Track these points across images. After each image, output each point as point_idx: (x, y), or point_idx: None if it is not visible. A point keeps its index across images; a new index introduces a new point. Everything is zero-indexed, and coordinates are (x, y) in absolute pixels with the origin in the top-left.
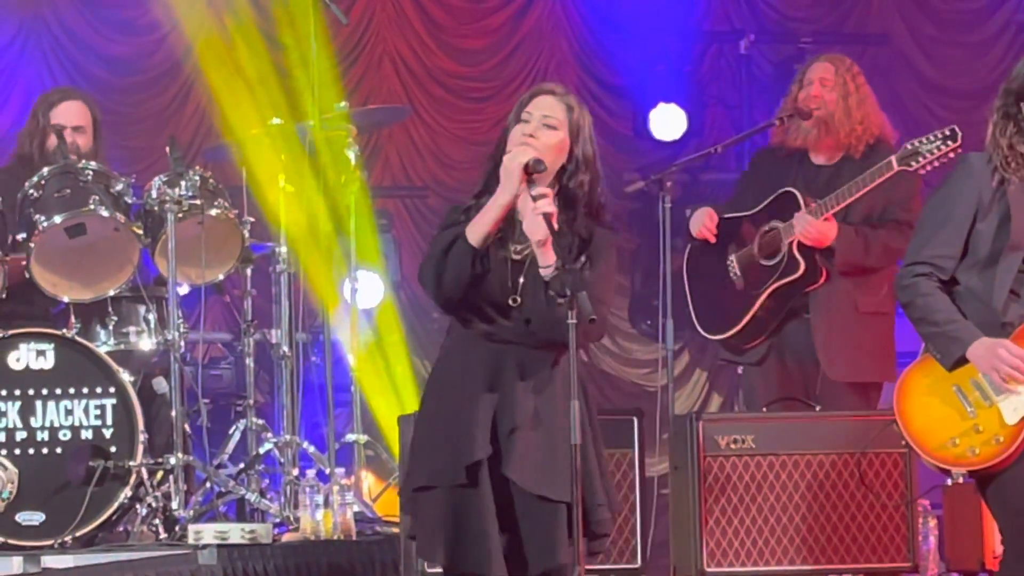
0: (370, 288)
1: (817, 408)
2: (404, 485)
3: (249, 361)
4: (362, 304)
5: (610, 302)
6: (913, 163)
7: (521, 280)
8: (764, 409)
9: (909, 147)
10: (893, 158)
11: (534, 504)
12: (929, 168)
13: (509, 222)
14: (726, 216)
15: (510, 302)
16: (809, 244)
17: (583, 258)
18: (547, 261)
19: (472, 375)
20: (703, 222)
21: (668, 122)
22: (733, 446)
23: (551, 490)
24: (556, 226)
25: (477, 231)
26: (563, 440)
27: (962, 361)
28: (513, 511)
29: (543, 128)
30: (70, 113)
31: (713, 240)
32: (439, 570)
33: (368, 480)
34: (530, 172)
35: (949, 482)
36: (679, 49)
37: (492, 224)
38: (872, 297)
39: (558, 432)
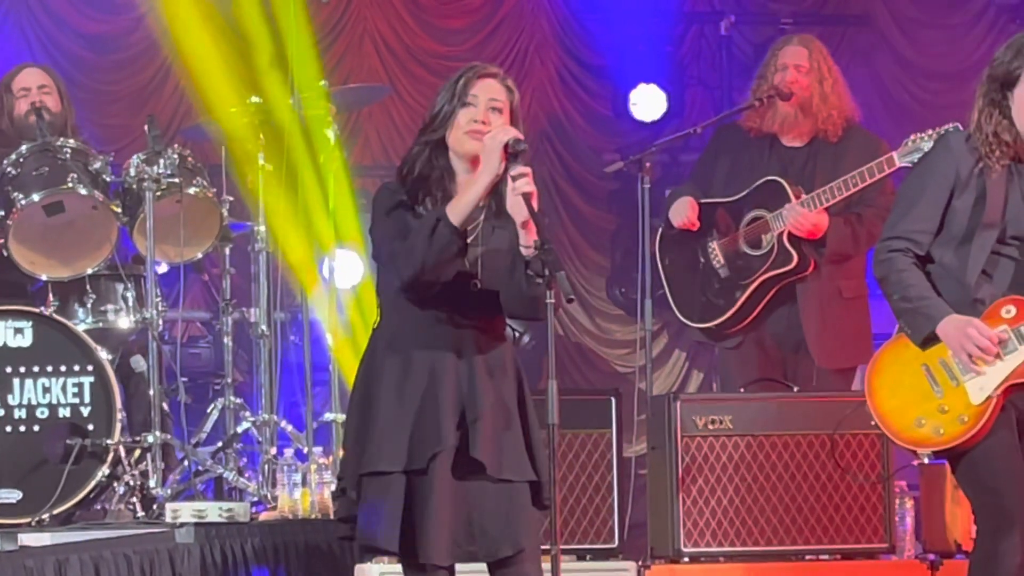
0: (350, 267)
1: (795, 389)
2: (347, 467)
3: (227, 340)
4: (342, 283)
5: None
6: (915, 159)
7: (479, 263)
8: (742, 390)
9: (910, 144)
10: (895, 154)
11: (496, 487)
12: None
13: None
14: (704, 201)
15: (472, 285)
16: (801, 236)
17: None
18: (528, 241)
19: (434, 359)
20: (685, 213)
21: (648, 103)
22: (711, 427)
23: (515, 472)
24: (536, 206)
25: (459, 211)
26: (518, 419)
27: (933, 338)
28: (470, 496)
29: (491, 112)
30: (31, 77)
31: (696, 229)
32: None
33: None
34: (510, 151)
35: (916, 463)
36: (660, 30)
37: (474, 205)
38: (853, 281)
39: (514, 412)
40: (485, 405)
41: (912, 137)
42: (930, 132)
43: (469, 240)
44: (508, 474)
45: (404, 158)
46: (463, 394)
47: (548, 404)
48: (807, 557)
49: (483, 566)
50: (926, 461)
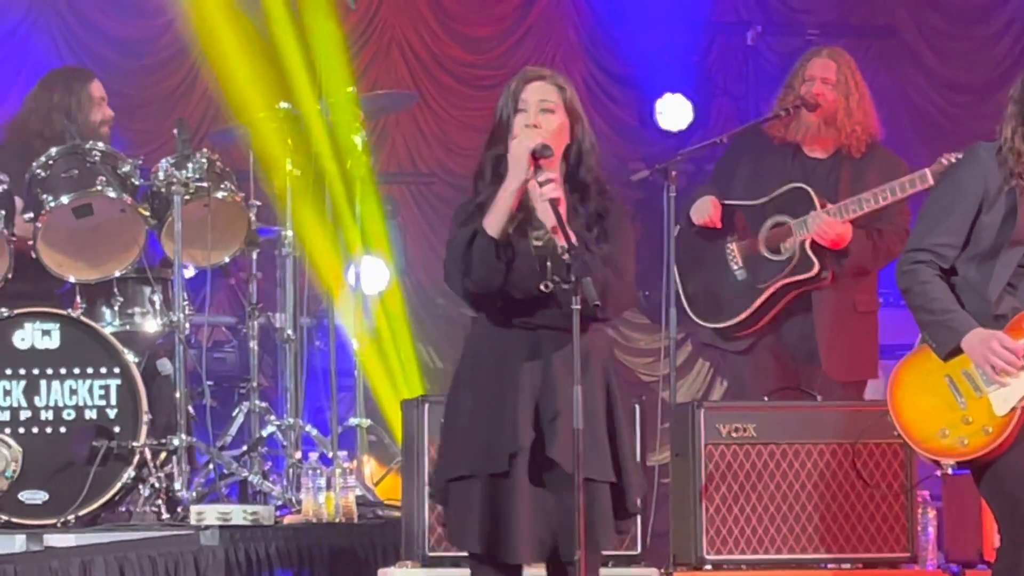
0: (376, 274)
1: (819, 399)
2: (438, 475)
3: (253, 344)
4: (367, 290)
5: (633, 270)
6: None
7: (549, 265)
8: (766, 399)
9: (944, 162)
10: (928, 171)
11: (566, 488)
12: None
13: (525, 210)
14: (726, 203)
15: (541, 288)
16: (824, 245)
17: (596, 231)
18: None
19: (510, 362)
20: (707, 211)
21: (674, 112)
22: (734, 434)
23: (596, 471)
24: (563, 212)
25: (493, 222)
26: (602, 421)
27: (957, 351)
28: (553, 495)
29: (542, 114)
30: (101, 87)
31: (718, 228)
32: (444, 553)
33: (370, 465)
34: (537, 158)
35: (939, 473)
36: (686, 40)
37: (506, 213)
38: (868, 295)
39: (598, 413)
40: (563, 404)
41: (947, 155)
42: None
43: (542, 243)
44: (588, 473)
45: (475, 170)
46: (538, 394)
47: (573, 409)
48: (829, 566)
49: None
50: (949, 472)
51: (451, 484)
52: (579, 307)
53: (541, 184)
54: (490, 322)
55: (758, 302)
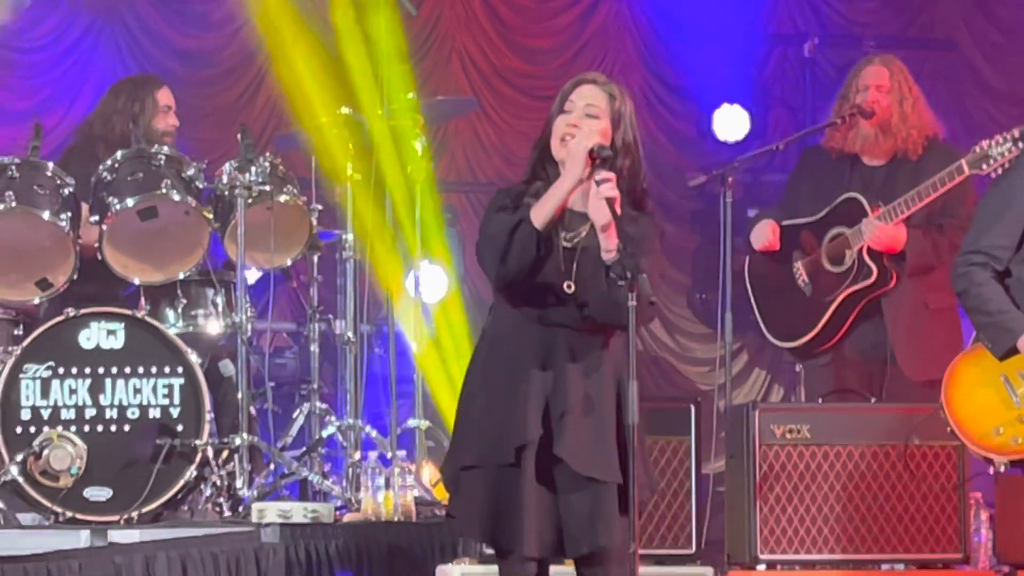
0: (435, 281)
1: (872, 400)
2: (448, 463)
3: (314, 347)
4: (427, 297)
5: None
6: (984, 166)
7: (575, 267)
8: (820, 400)
9: (978, 150)
10: (964, 162)
11: (582, 485)
12: (1000, 170)
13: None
14: (786, 224)
15: (565, 288)
16: (880, 250)
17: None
18: (609, 245)
19: (524, 357)
20: (766, 236)
21: (731, 123)
22: (789, 435)
23: (601, 471)
24: (619, 211)
25: (541, 214)
26: (611, 422)
27: (1013, 351)
28: (558, 492)
29: (586, 117)
30: (169, 96)
31: (779, 250)
32: None
33: (427, 469)
34: (595, 157)
35: (991, 471)
36: (743, 51)
37: (556, 208)
38: (940, 293)
39: (607, 414)
40: (573, 402)
41: (981, 144)
42: (998, 138)
43: (571, 245)
44: (593, 472)
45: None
46: (548, 390)
47: (628, 404)
48: (882, 566)
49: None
50: (1002, 469)
51: (461, 473)
52: (635, 303)
53: (598, 183)
54: (508, 315)
55: (827, 315)
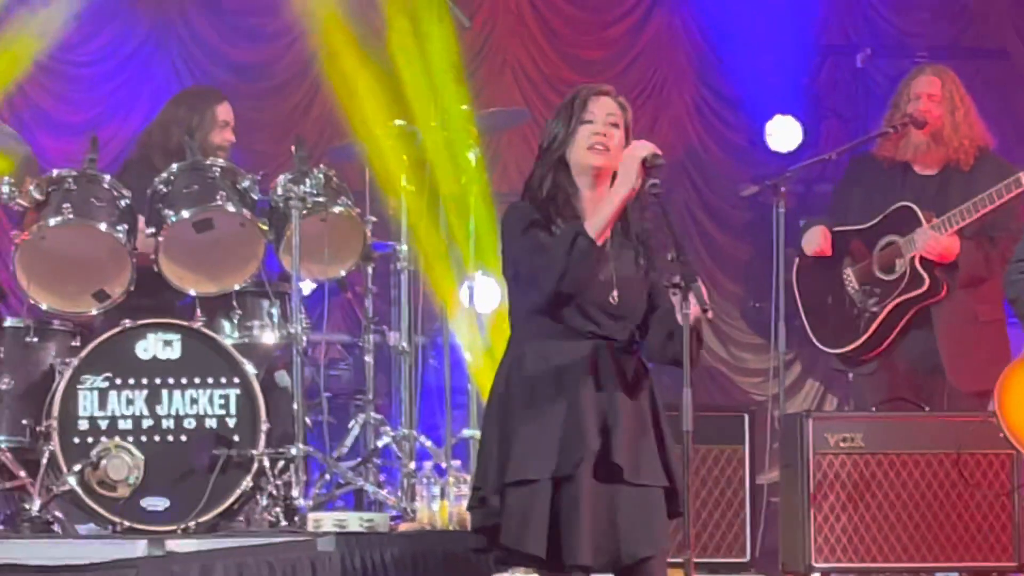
0: (489, 292)
1: (926, 409)
2: (491, 478)
3: (368, 358)
4: (480, 308)
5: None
6: None
7: (614, 278)
8: (874, 409)
9: None
10: (1022, 175)
11: (634, 492)
12: None
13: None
14: (837, 230)
15: (610, 300)
16: (932, 259)
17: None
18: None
19: (573, 371)
20: (818, 241)
21: (784, 134)
22: (842, 444)
23: (651, 477)
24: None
25: (599, 225)
26: (651, 428)
27: None
28: (611, 501)
29: (610, 127)
30: (229, 112)
31: (829, 256)
32: None
33: None
34: (648, 166)
35: None
36: (796, 62)
37: (612, 218)
38: (990, 306)
39: (648, 421)
40: (622, 413)
41: None
42: None
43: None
44: (645, 479)
45: (528, 181)
46: (602, 402)
47: (683, 411)
48: (937, 574)
49: None
50: None
51: (509, 488)
52: (688, 311)
53: (651, 192)
54: (549, 330)
55: (876, 323)
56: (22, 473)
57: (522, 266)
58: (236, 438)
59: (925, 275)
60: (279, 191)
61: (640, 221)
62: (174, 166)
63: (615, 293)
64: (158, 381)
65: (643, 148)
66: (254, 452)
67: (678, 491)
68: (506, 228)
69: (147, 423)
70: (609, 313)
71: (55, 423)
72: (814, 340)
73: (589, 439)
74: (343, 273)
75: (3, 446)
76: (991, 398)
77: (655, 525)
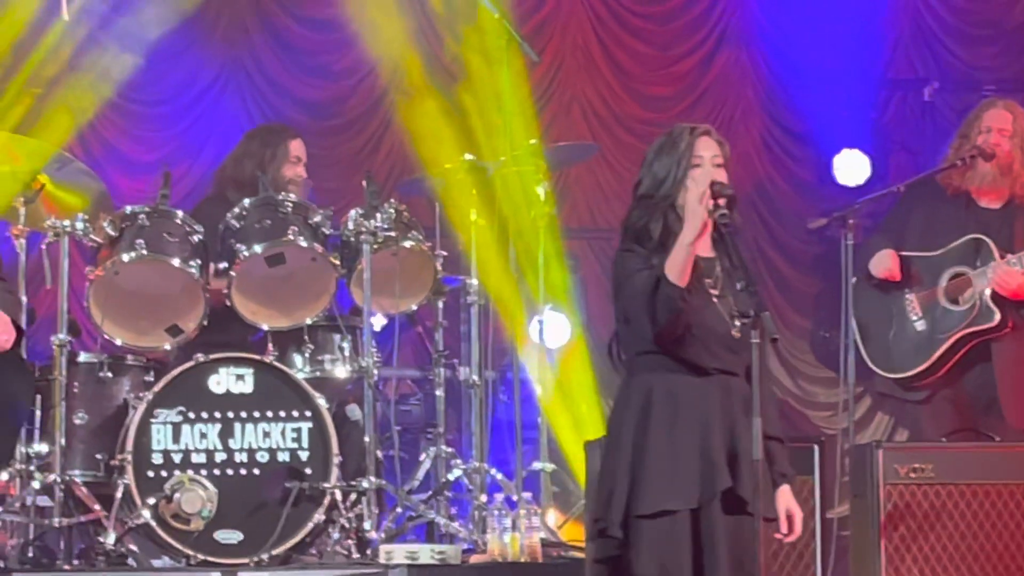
0: (559, 327)
1: (996, 439)
2: (615, 510)
3: (439, 392)
4: (550, 343)
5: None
6: None
7: (731, 308)
8: (943, 440)
9: None
10: None
11: (750, 522)
12: None
13: (693, 263)
14: (902, 254)
15: (733, 333)
16: (1005, 295)
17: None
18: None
19: (701, 403)
20: (887, 264)
21: (852, 168)
22: (912, 475)
23: (768, 509)
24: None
25: (674, 270)
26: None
27: None
28: (736, 531)
29: (715, 168)
30: (301, 148)
31: (897, 280)
32: None
33: (552, 514)
34: (716, 196)
35: None
36: (863, 96)
37: (687, 259)
38: None
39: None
40: (744, 445)
41: None
42: None
43: (716, 292)
44: (766, 512)
45: (631, 223)
46: (729, 435)
47: (753, 439)
48: None
49: None
50: None
51: (643, 520)
52: (758, 341)
53: (720, 223)
54: (671, 366)
55: (939, 352)
56: (97, 507)
57: (629, 312)
58: (308, 471)
59: (996, 310)
60: (350, 226)
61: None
62: (246, 201)
63: (735, 329)
64: (231, 415)
65: (703, 183)
66: (326, 485)
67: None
68: (617, 273)
69: (220, 456)
70: (729, 348)
71: (129, 457)
72: (867, 361)
73: (721, 472)
74: (414, 307)
75: (78, 480)
76: None
77: (760, 553)
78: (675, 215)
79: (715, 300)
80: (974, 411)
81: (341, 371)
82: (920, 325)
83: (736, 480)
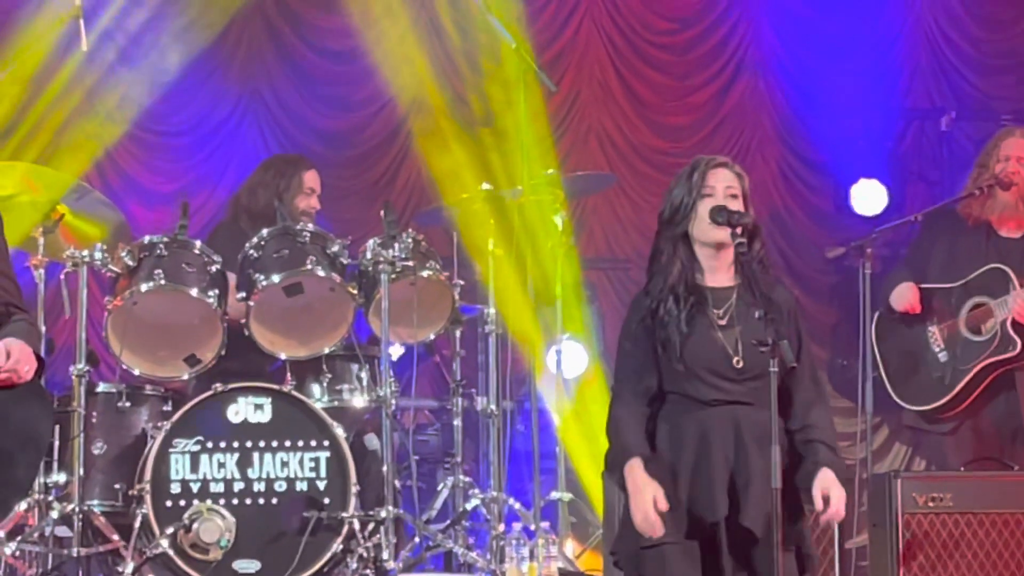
0: (575, 357)
1: (1015, 468)
2: (625, 544)
3: (457, 421)
4: (567, 372)
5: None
6: None
7: (738, 342)
8: (962, 469)
9: None
10: None
11: (759, 553)
12: None
13: (699, 293)
14: (923, 287)
15: (735, 364)
16: None
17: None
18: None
19: (701, 434)
20: (908, 298)
21: (869, 197)
22: (931, 504)
23: (788, 540)
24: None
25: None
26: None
27: None
28: (749, 561)
29: (729, 199)
30: (315, 179)
31: (918, 313)
32: None
33: (569, 544)
34: (733, 225)
35: None
36: (880, 126)
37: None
38: None
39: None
40: (754, 473)
41: None
42: None
43: (723, 322)
44: (788, 540)
45: (654, 256)
46: (731, 463)
47: (771, 467)
48: None
49: None
50: None
51: (645, 551)
52: (776, 369)
53: (737, 251)
54: (672, 400)
55: (962, 383)
56: (115, 537)
57: (618, 369)
58: (326, 501)
59: (1017, 338)
60: (368, 255)
61: (765, 279)
62: (264, 231)
63: (737, 359)
64: (249, 444)
65: (642, 505)
66: (344, 515)
67: (804, 554)
68: (626, 319)
69: (238, 486)
70: (731, 378)
71: (148, 487)
72: (893, 395)
73: (717, 504)
74: (432, 337)
75: (96, 510)
76: None
77: None
78: (686, 244)
79: (719, 331)
80: (999, 440)
81: (359, 401)
82: (943, 357)
83: (740, 510)
